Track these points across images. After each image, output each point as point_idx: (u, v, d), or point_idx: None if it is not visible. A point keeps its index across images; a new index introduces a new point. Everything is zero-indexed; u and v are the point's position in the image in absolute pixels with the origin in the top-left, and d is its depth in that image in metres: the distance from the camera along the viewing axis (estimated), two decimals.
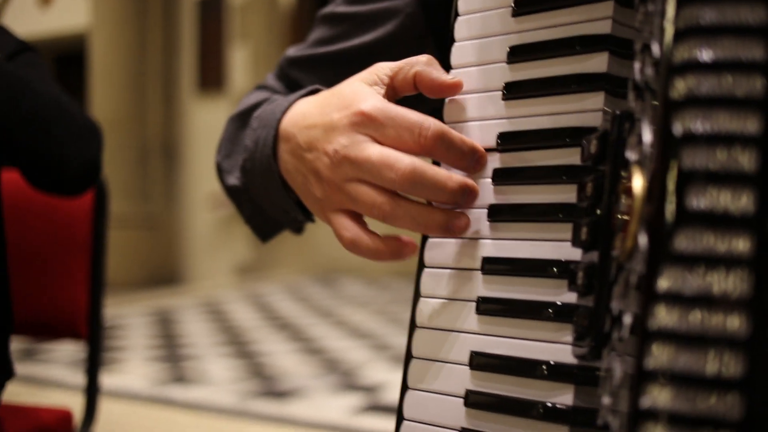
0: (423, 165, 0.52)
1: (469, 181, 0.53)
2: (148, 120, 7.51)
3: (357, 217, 0.56)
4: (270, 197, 0.67)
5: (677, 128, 0.34)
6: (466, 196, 0.53)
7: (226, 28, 7.50)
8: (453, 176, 0.52)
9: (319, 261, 7.29)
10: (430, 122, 0.53)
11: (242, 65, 7.37)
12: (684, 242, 0.33)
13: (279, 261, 7.49)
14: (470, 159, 0.54)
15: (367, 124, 0.54)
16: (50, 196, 1.20)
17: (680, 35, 0.35)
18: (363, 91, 0.56)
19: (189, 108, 7.69)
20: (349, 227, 0.56)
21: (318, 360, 3.94)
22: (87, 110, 1.21)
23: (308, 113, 0.59)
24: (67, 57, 8.99)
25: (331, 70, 0.75)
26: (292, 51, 0.80)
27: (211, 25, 7.54)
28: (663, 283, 0.33)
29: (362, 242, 0.55)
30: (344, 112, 0.55)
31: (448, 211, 0.53)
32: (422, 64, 0.57)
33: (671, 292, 0.32)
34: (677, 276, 0.32)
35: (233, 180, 0.73)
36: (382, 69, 0.58)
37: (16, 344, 4.20)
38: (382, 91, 0.57)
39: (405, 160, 0.52)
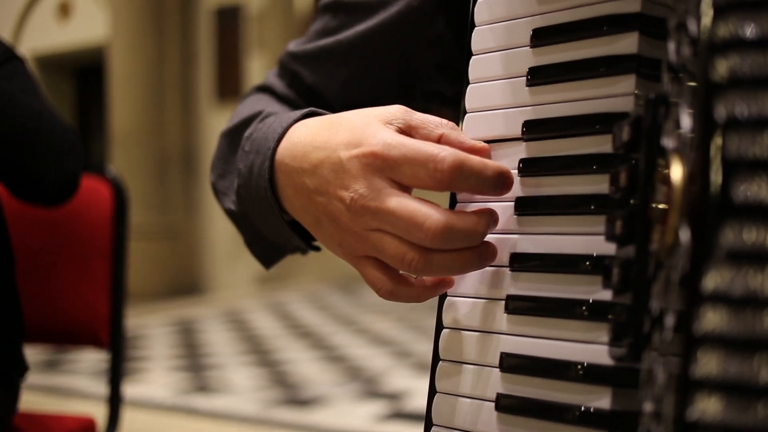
0: (452, 219, 0.48)
1: (495, 214, 0.50)
2: (167, 130, 7.55)
3: (385, 265, 0.52)
4: (270, 227, 0.63)
5: (720, 112, 0.31)
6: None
7: (244, 37, 7.53)
8: (480, 219, 0.49)
9: (339, 269, 7.27)
10: (444, 153, 0.47)
11: (260, 74, 7.39)
12: (730, 237, 0.30)
13: (299, 270, 7.49)
14: (495, 184, 0.49)
15: (380, 166, 0.49)
16: (31, 206, 1.25)
17: (721, 10, 0.32)
18: (373, 124, 0.51)
19: (207, 117, 7.71)
20: (382, 280, 0.52)
21: (340, 368, 3.93)
22: (65, 121, 1.27)
23: (309, 148, 0.54)
24: (87, 69, 9.07)
25: (333, 62, 0.71)
26: (294, 45, 0.75)
27: (229, 35, 7.57)
28: (709, 283, 0.30)
29: (401, 293, 0.52)
30: (353, 150, 0.50)
31: (477, 249, 0.50)
32: (447, 127, 0.52)
33: (718, 293, 0.30)
34: (724, 275, 0.30)
35: (230, 204, 0.68)
36: (399, 115, 0.52)
37: (39, 355, 4.24)
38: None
39: (433, 218, 0.47)
